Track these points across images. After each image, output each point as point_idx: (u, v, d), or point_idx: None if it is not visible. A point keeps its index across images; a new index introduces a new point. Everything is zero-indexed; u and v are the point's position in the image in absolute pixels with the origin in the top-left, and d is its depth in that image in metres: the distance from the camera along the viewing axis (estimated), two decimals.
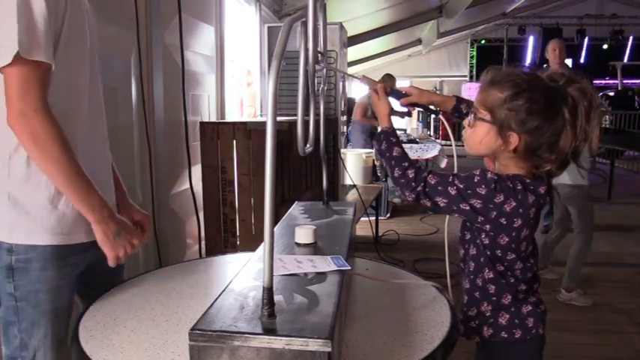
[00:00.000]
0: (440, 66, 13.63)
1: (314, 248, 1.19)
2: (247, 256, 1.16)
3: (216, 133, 2.43)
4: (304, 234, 1.21)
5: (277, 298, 0.85)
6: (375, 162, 5.44)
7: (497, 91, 1.16)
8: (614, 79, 12.20)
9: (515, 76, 1.16)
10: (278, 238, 1.24)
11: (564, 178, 3.07)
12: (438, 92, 1.49)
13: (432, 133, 12.00)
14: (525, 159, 1.18)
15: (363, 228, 4.27)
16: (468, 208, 1.15)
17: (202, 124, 2.51)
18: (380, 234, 4.68)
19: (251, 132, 2.39)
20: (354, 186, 3.86)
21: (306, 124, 1.08)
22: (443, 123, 1.58)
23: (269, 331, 0.78)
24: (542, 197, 1.17)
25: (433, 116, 10.54)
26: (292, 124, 2.42)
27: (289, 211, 1.55)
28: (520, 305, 1.22)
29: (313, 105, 1.31)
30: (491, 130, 1.18)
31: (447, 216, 1.29)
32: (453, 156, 1.36)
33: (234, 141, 2.41)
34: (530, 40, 12.36)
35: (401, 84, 7.56)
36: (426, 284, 1.34)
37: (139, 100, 2.27)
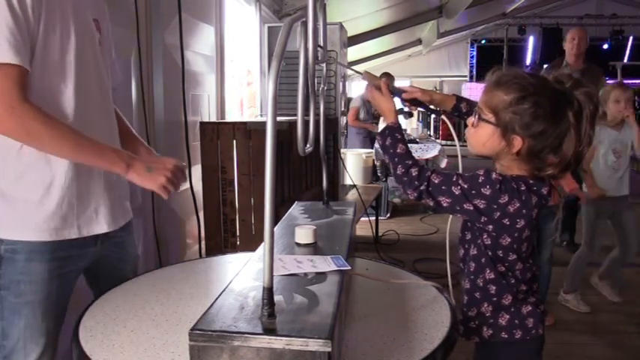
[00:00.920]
0: (440, 66, 13.60)
1: (314, 248, 1.19)
2: (247, 256, 1.16)
3: (216, 133, 2.43)
4: (304, 234, 1.21)
5: (277, 298, 0.85)
6: (375, 162, 5.43)
7: (502, 93, 1.16)
8: (614, 79, 12.20)
9: (521, 78, 1.15)
10: (278, 238, 1.24)
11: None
12: (437, 92, 1.48)
13: (432, 133, 11.99)
14: (528, 161, 1.18)
15: (363, 228, 4.27)
16: (471, 208, 1.15)
17: (202, 124, 2.51)
18: (380, 234, 4.68)
19: (251, 132, 2.39)
20: (354, 186, 3.86)
21: (306, 124, 1.08)
22: (445, 123, 1.58)
23: (269, 331, 0.78)
24: (545, 198, 1.17)
25: (433, 116, 10.58)
26: (292, 124, 2.42)
27: (289, 211, 1.54)
28: (520, 306, 1.22)
29: (313, 105, 1.31)
30: (495, 132, 1.17)
31: (450, 216, 1.29)
32: (453, 156, 1.36)
33: (234, 141, 2.41)
34: (531, 40, 12.33)
35: (401, 84, 7.51)
36: (426, 284, 1.34)
37: (139, 100, 2.27)
